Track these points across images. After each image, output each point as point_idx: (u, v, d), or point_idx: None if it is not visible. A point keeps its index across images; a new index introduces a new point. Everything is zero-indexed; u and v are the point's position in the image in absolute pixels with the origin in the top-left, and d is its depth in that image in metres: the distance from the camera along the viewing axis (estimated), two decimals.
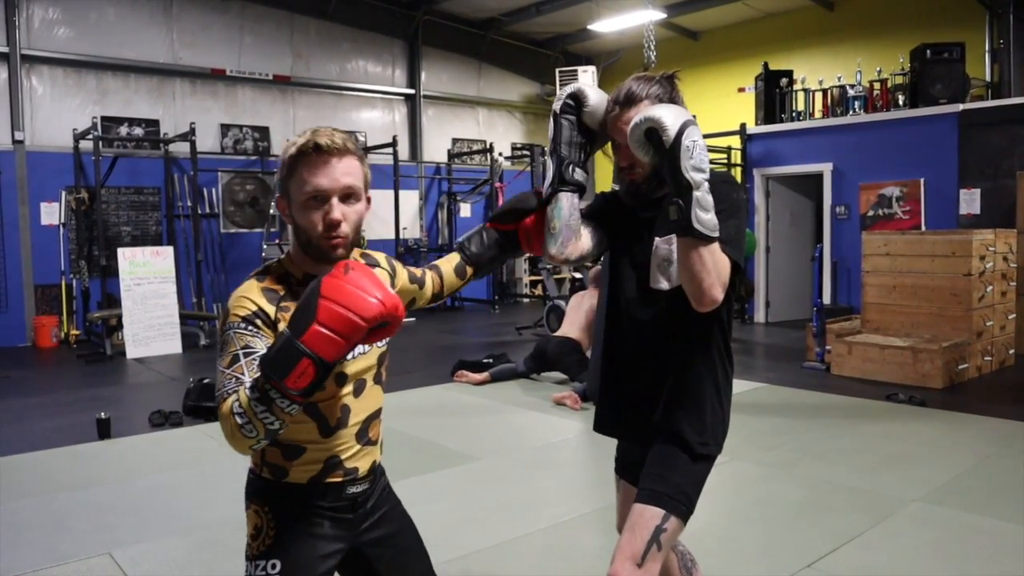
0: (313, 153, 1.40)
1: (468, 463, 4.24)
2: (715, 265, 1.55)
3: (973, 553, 2.99)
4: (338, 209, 1.41)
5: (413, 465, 4.11)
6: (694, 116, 1.57)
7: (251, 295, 1.41)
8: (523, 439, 4.78)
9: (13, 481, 4.00)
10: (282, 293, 1.43)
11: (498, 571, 2.92)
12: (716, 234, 1.53)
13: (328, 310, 1.25)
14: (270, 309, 1.40)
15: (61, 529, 3.34)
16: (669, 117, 1.53)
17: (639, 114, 1.58)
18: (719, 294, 1.58)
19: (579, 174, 1.75)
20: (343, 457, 1.51)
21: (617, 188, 1.83)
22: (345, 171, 1.42)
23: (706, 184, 1.52)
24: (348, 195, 1.43)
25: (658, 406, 1.77)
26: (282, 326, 1.38)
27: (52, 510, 3.57)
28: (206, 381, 5.45)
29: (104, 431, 4.76)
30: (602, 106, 1.75)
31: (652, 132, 1.54)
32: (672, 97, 1.73)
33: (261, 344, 1.35)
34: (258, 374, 1.29)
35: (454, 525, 3.36)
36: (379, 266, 1.64)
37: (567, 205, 1.75)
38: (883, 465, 4.05)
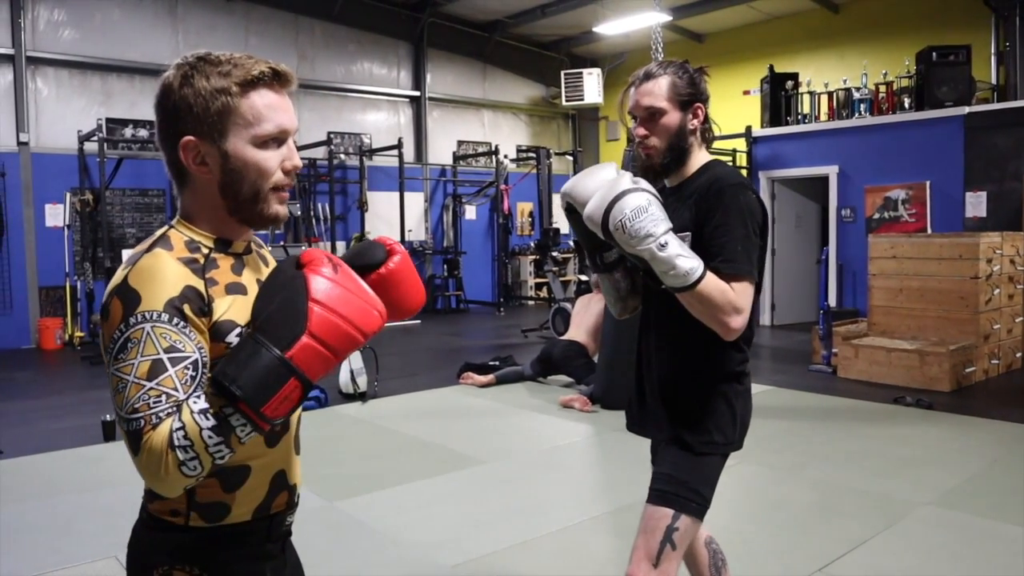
0: (274, 82, 1.09)
1: (475, 466, 4.22)
2: (716, 297, 1.56)
3: (985, 557, 2.97)
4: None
5: (419, 468, 4.09)
6: (631, 180, 1.55)
7: (169, 269, 1.02)
8: (530, 442, 4.76)
9: (18, 484, 3.99)
10: (202, 262, 1.08)
11: (507, 575, 2.90)
12: (694, 279, 1.53)
13: (324, 320, 0.97)
14: (199, 284, 1.04)
15: (67, 532, 3.33)
16: (592, 205, 1.54)
17: (585, 212, 1.58)
18: (737, 321, 1.58)
19: (612, 254, 1.78)
20: (287, 471, 1.20)
21: (634, 165, 1.85)
22: (292, 110, 1.14)
23: (655, 245, 1.50)
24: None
25: (665, 404, 1.77)
26: (218, 308, 1.05)
27: (57, 513, 3.56)
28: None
29: (110, 433, 4.75)
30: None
31: (589, 220, 1.57)
32: (691, 80, 1.75)
33: (190, 344, 1.00)
34: (202, 391, 0.98)
35: (462, 529, 3.34)
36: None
37: (612, 284, 1.82)
38: (892, 468, 4.03)
